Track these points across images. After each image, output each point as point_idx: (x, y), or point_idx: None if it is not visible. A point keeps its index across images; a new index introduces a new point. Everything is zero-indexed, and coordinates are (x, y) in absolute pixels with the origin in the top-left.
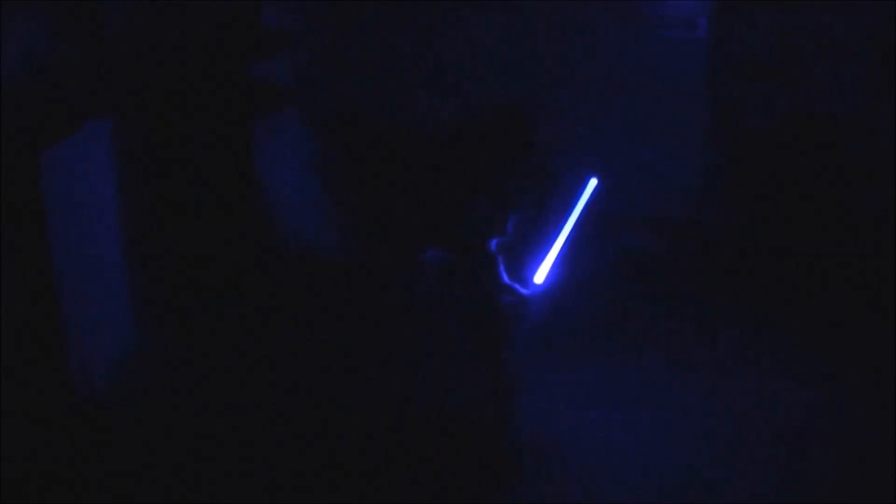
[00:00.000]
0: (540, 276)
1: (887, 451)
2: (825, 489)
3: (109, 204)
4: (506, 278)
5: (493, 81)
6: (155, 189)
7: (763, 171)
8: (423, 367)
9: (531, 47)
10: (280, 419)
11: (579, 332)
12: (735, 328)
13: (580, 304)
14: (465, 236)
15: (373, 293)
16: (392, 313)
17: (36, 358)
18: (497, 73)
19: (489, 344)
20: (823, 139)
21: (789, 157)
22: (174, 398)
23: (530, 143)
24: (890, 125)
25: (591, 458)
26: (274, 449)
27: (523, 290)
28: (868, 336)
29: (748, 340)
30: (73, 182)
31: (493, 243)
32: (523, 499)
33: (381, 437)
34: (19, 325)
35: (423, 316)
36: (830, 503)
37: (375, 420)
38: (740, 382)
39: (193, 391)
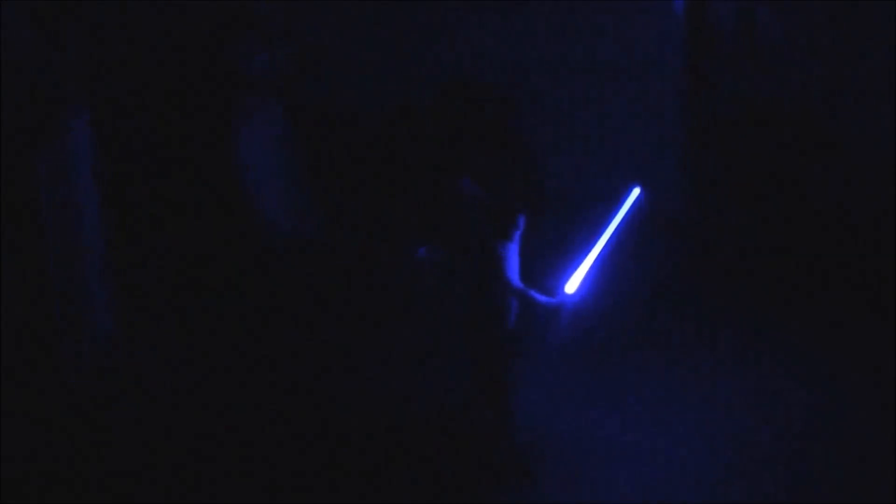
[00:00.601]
0: (572, 285)
1: (887, 451)
2: (825, 489)
3: (98, 200)
4: (517, 282)
5: (492, 80)
6: (145, 185)
7: (762, 170)
8: (422, 367)
9: (531, 46)
10: (279, 419)
11: (579, 331)
12: (735, 328)
13: (579, 303)
14: (464, 235)
15: (372, 292)
16: (391, 313)
17: (29, 356)
18: (497, 72)
19: (488, 344)
20: (823, 139)
21: (788, 156)
22: (172, 397)
23: (522, 137)
24: (890, 125)
25: (591, 458)
26: (274, 449)
27: (546, 298)
28: (868, 336)
29: (748, 340)
30: (62, 179)
31: (500, 244)
32: (523, 499)
33: (381, 437)
34: (16, 323)
35: (423, 316)
36: (830, 503)
37: (375, 420)
38: (740, 382)
39: (192, 390)
